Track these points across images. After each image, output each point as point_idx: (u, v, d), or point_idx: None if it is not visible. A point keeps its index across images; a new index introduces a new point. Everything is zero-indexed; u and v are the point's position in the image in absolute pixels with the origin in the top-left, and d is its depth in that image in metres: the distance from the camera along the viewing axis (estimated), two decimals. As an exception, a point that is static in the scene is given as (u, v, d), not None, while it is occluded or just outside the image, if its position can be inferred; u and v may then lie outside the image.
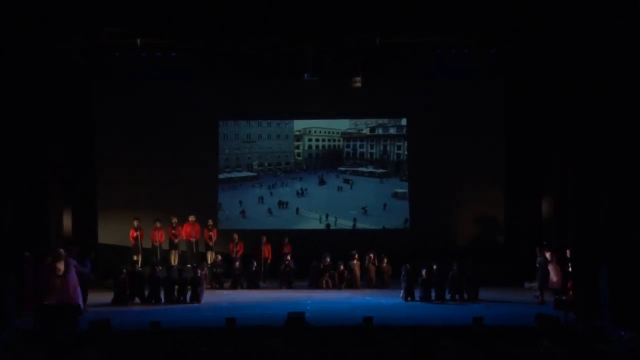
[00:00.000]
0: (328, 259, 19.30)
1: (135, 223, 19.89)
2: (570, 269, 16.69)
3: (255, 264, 19.41)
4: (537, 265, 17.20)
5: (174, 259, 20.04)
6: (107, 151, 21.01)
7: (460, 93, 21.11)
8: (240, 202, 21.85)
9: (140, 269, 18.07)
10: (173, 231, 20.10)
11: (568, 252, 16.95)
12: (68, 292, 15.41)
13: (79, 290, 15.65)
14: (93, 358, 11.21)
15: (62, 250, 15.93)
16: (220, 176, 21.82)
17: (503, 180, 21.04)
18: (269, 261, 20.12)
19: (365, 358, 11.14)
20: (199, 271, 17.76)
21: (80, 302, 15.55)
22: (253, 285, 19.33)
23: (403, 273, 17.65)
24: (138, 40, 16.75)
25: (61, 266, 15.67)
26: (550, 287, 16.97)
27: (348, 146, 22.04)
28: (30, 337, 12.79)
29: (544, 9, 15.30)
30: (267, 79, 20.65)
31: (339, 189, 21.95)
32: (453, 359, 11.20)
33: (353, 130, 22.06)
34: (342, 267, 19.32)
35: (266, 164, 21.99)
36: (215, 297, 17.95)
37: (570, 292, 16.25)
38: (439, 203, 21.33)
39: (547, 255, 17.23)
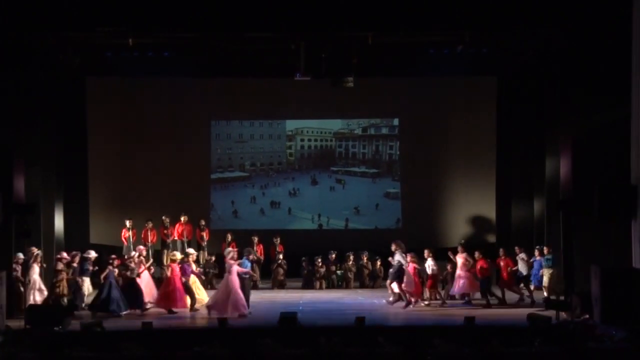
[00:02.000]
0: (320, 259, 19.33)
1: (127, 223, 19.83)
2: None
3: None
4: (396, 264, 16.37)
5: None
6: (99, 150, 20.96)
7: (452, 93, 21.14)
8: (233, 202, 21.83)
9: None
10: (165, 231, 20.05)
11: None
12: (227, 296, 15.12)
13: (238, 293, 15.15)
14: (87, 358, 11.18)
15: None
16: (213, 176, 21.79)
17: (495, 180, 21.09)
18: (261, 261, 20.11)
19: (358, 358, 11.14)
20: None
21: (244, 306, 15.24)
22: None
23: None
24: (130, 40, 16.70)
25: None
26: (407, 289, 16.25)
27: (340, 146, 22.03)
28: (21, 336, 12.73)
29: (536, 7, 15.33)
30: (259, 79, 20.64)
31: (331, 189, 21.94)
32: (445, 359, 11.21)
33: (345, 130, 22.05)
34: (333, 267, 19.38)
35: (258, 164, 21.96)
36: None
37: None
38: (431, 203, 21.37)
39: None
